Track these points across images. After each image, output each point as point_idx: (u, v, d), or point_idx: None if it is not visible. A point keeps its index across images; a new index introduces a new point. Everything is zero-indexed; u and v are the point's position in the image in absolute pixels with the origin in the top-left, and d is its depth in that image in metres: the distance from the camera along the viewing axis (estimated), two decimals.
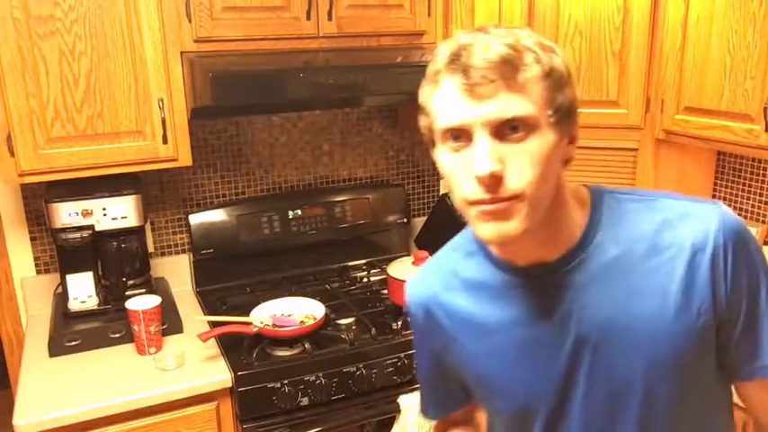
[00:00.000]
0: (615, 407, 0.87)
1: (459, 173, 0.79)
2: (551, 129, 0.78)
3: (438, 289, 0.98)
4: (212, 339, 1.81)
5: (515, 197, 0.76)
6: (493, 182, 0.75)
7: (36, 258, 2.07)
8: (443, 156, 0.82)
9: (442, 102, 0.79)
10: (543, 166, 0.77)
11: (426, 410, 1.14)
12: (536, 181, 0.77)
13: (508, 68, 0.75)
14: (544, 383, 0.90)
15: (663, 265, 0.84)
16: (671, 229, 0.85)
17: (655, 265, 0.84)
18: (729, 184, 2.20)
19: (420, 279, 1.03)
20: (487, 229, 0.79)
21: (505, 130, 0.76)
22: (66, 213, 1.82)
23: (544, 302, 0.88)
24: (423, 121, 0.84)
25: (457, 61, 0.76)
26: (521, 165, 0.76)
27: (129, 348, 1.82)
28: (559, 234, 0.86)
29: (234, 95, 1.81)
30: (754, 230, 2.10)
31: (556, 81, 0.79)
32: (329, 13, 1.93)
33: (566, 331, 0.86)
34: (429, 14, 2.07)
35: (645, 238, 0.85)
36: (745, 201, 2.16)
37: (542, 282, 0.87)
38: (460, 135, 0.78)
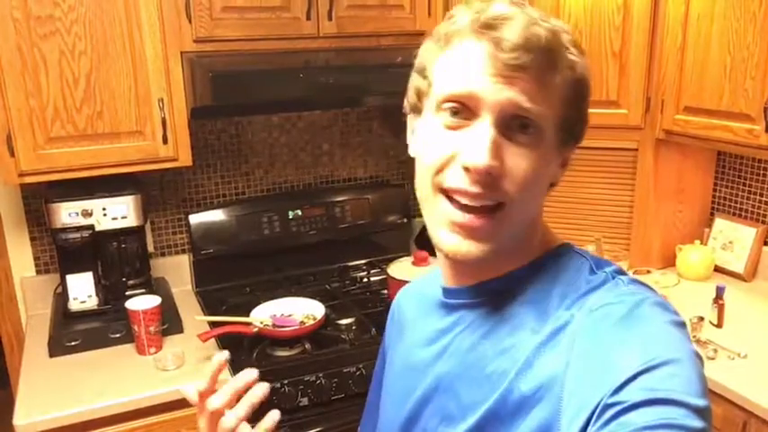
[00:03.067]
0: None
1: (444, 155, 0.65)
2: (554, 145, 0.66)
3: (403, 293, 0.92)
4: (212, 339, 1.81)
5: (499, 205, 0.64)
6: (484, 179, 0.62)
7: (36, 258, 2.07)
8: (431, 128, 0.67)
9: (455, 65, 0.65)
10: (538, 182, 0.65)
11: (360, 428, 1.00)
12: (527, 196, 0.64)
13: (545, 60, 0.62)
14: (397, 417, 0.80)
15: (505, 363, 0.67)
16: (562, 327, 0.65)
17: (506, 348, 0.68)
18: (729, 184, 2.20)
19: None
20: (455, 243, 0.65)
21: (514, 126, 0.63)
22: (67, 213, 1.82)
23: (434, 331, 0.77)
24: (414, 82, 0.71)
25: (488, 30, 0.62)
26: (519, 169, 0.63)
27: (129, 348, 1.82)
28: (501, 262, 0.71)
29: (234, 95, 1.81)
30: (754, 230, 2.10)
31: (579, 92, 0.67)
32: (329, 14, 1.92)
33: (430, 371, 0.76)
34: (429, 14, 2.07)
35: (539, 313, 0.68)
36: (745, 201, 2.16)
37: (448, 307, 0.77)
38: (461, 111, 0.64)
